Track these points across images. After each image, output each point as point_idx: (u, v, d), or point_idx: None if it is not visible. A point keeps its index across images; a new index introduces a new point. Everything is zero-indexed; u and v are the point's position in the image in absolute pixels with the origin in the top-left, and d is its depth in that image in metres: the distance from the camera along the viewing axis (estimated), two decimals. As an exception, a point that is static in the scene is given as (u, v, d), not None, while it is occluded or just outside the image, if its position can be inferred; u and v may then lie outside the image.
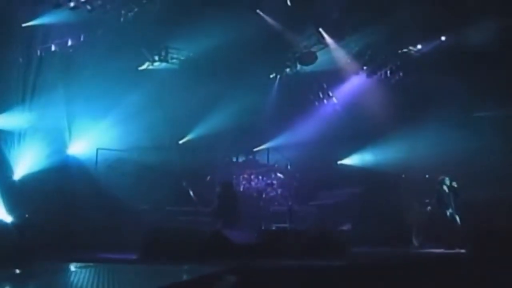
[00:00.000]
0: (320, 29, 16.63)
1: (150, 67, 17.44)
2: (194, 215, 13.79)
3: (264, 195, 15.41)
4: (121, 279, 7.40)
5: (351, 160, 18.81)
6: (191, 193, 13.78)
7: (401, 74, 17.86)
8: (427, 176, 16.26)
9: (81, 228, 12.73)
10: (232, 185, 13.33)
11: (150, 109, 16.15)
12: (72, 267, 8.31)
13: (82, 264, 8.48)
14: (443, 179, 14.09)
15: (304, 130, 18.14)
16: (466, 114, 17.33)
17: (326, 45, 17.40)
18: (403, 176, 17.36)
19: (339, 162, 18.92)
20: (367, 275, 8.10)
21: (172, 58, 17.61)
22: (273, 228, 13.65)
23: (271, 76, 18.92)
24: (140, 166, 15.19)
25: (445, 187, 13.98)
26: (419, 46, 17.72)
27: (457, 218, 13.83)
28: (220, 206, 12.93)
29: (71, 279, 7.17)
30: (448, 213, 13.83)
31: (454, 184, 13.98)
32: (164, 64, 17.57)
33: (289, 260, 9.87)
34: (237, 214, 12.91)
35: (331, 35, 16.94)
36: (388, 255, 12.35)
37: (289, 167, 16.91)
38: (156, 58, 17.39)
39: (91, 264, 8.64)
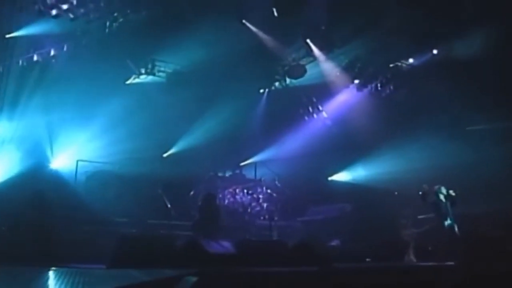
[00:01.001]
0: (308, 41, 16.51)
1: (136, 80, 17.36)
2: (175, 229, 13.43)
3: (249, 210, 15.08)
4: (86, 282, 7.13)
5: (342, 176, 18.56)
6: (166, 201, 13.50)
7: (391, 87, 17.75)
8: (420, 193, 16.00)
9: (56, 241, 12.39)
10: (214, 198, 13.04)
11: (134, 122, 15.85)
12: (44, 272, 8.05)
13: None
14: (439, 189, 13.70)
15: (294, 145, 17.96)
16: (459, 127, 17.15)
17: (315, 58, 17.35)
18: (396, 193, 17.08)
19: (329, 178, 18.70)
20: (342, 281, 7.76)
21: (159, 71, 17.53)
22: (253, 239, 13.33)
23: (261, 91, 18.90)
24: (122, 178, 14.86)
25: (441, 197, 13.60)
26: (410, 60, 17.70)
27: (456, 228, 13.42)
28: (201, 219, 12.65)
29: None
30: (446, 224, 13.42)
31: (452, 192, 13.59)
32: (150, 77, 17.51)
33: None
34: (218, 227, 12.58)
35: (320, 47, 16.81)
36: (374, 267, 11.96)
37: (277, 182, 16.64)
38: (143, 70, 17.34)
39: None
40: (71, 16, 14.15)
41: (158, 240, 10.34)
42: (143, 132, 15.98)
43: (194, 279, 6.51)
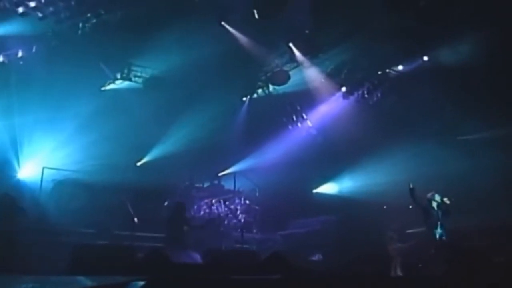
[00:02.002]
0: (291, 45, 16.04)
1: (112, 85, 16.84)
2: (143, 240, 12.83)
3: (226, 221, 14.50)
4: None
5: (327, 187, 18.02)
6: (130, 210, 12.88)
7: (379, 94, 17.29)
8: (410, 207, 15.50)
9: (16, 253, 11.74)
10: (183, 208, 12.47)
11: (107, 128, 15.29)
12: None
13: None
14: (433, 196, 13.09)
15: (276, 155, 17.39)
16: (450, 136, 16.66)
17: (299, 63, 16.88)
18: (384, 207, 16.56)
19: (314, 191, 18.15)
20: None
21: (135, 76, 17.00)
22: (223, 249, 12.78)
23: (244, 98, 18.41)
24: (91, 187, 14.20)
25: (434, 204, 13.00)
26: (400, 67, 17.18)
27: (445, 238, 12.79)
28: (169, 229, 12.11)
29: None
30: (436, 234, 12.80)
31: (446, 200, 13.02)
32: (126, 83, 16.99)
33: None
34: (187, 237, 12.05)
35: (303, 52, 16.31)
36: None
37: (257, 193, 16.11)
38: (118, 75, 16.83)
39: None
40: (40, 15, 13.62)
41: (114, 250, 9.89)
42: (116, 139, 15.39)
43: (141, 283, 6.02)
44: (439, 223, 12.58)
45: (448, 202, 12.82)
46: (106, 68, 16.02)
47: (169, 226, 12.21)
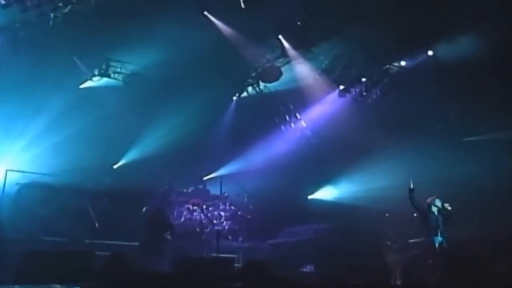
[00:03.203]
0: (281, 37, 15.14)
1: (89, 82, 15.98)
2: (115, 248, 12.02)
3: (208, 229, 13.60)
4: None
5: (322, 193, 17.10)
6: (90, 211, 12.08)
7: (378, 92, 16.40)
8: (415, 215, 14.64)
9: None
10: (161, 214, 11.66)
11: (81, 128, 14.41)
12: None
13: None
14: (433, 200, 12.17)
15: (267, 158, 16.55)
16: (456, 137, 15.72)
17: (291, 59, 16.00)
18: (387, 215, 15.66)
19: (310, 197, 17.24)
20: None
21: (114, 72, 16.02)
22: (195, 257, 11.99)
23: (233, 97, 17.54)
24: (62, 192, 13.32)
25: (434, 209, 12.06)
26: (402, 63, 16.30)
27: (445, 246, 11.82)
28: (142, 236, 11.39)
29: None
30: (436, 243, 11.85)
31: (447, 206, 12.10)
32: (105, 80, 16.08)
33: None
34: (159, 243, 11.27)
35: (295, 46, 15.41)
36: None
37: (245, 199, 15.20)
38: (96, 72, 15.99)
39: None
40: (3, 1, 12.81)
41: (66, 257, 9.43)
42: (90, 140, 14.54)
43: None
44: (438, 230, 11.66)
45: (449, 208, 11.91)
46: (81, 63, 15.12)
47: (145, 233, 11.55)
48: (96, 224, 11.94)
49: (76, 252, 10.27)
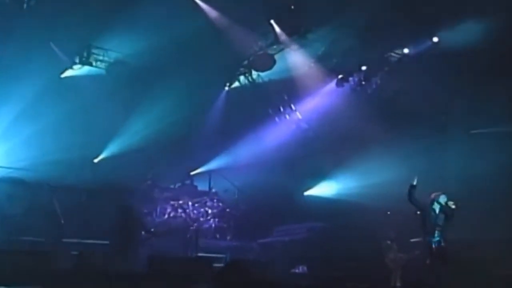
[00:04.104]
0: (273, 22, 14.48)
1: (69, 71, 15.39)
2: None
3: (193, 227, 13.00)
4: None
5: (320, 189, 16.48)
6: (56, 206, 11.52)
7: (378, 81, 15.73)
8: (418, 212, 14.02)
9: None
10: (131, 210, 11.13)
11: (59, 119, 13.98)
12: None
13: None
14: (437, 197, 11.41)
15: (260, 152, 15.98)
16: (461, 130, 14.97)
17: (285, 46, 15.36)
18: (388, 213, 15.05)
19: (306, 193, 16.62)
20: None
21: (96, 60, 15.38)
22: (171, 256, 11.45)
23: (223, 87, 16.93)
24: (37, 188, 12.79)
25: (435, 207, 11.31)
26: (405, 50, 15.55)
27: (443, 246, 11.13)
28: (112, 233, 10.96)
29: None
30: (432, 241, 11.14)
31: (451, 204, 11.37)
32: (87, 68, 15.44)
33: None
34: (131, 242, 10.84)
35: (288, 32, 14.77)
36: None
37: (236, 195, 14.65)
38: (77, 60, 15.35)
39: None
40: (-29, -17, 12.26)
41: (31, 257, 9.17)
42: (70, 132, 14.07)
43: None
44: (436, 229, 10.93)
45: (453, 206, 11.16)
46: (60, 50, 14.51)
47: (116, 232, 11.11)
48: (62, 221, 11.32)
49: (42, 252, 9.79)
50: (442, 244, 10.69)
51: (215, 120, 16.19)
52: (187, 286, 8.80)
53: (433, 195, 11.42)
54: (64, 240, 11.49)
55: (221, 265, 10.30)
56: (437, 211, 11.07)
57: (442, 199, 11.33)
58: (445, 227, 10.85)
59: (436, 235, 10.76)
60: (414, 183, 11.24)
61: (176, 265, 9.71)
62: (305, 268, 12.96)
